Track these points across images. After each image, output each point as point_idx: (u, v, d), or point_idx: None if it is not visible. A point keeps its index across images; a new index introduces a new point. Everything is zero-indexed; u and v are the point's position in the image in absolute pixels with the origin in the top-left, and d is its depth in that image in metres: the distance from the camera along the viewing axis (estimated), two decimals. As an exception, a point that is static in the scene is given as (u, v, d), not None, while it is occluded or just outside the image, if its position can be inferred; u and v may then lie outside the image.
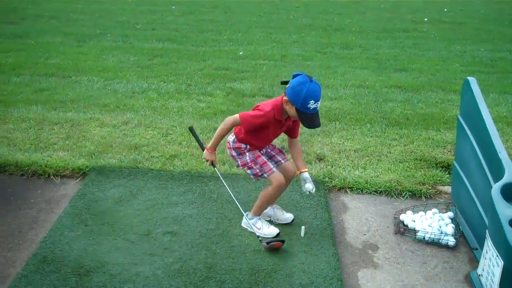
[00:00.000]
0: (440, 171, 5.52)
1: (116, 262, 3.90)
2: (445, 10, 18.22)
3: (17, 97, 7.57)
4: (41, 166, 5.29)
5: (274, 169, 4.17)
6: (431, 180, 5.32)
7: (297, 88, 3.78)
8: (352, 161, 5.69)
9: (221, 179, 4.48)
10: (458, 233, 4.36)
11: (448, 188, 5.20)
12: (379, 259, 4.10)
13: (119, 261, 3.92)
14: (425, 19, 16.23)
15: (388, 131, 6.59)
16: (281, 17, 15.84)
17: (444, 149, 6.08)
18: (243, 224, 4.41)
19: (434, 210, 4.68)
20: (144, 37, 12.36)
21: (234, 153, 4.23)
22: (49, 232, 4.26)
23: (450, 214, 4.62)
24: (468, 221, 4.51)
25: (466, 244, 4.33)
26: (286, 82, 3.96)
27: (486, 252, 3.64)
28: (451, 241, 4.27)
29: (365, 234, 4.44)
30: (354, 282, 3.83)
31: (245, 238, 4.26)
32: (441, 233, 4.33)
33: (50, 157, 5.52)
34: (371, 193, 5.10)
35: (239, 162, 4.23)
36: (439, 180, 5.35)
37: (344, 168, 5.49)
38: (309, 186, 4.16)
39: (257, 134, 4.09)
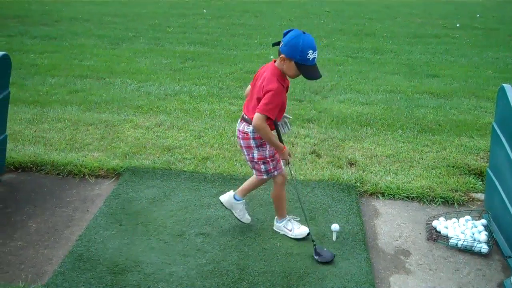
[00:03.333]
0: (473, 178, 5.48)
1: (150, 262, 3.96)
2: (478, 16, 18.01)
3: (52, 98, 7.73)
4: (76, 166, 5.40)
5: (283, 166, 4.22)
6: (464, 187, 5.28)
7: (293, 41, 3.69)
8: (384, 166, 5.68)
9: (294, 179, 4.46)
10: (491, 241, 4.33)
11: (481, 195, 5.16)
12: (411, 265, 4.09)
13: (153, 260, 3.98)
14: (457, 25, 16.07)
15: (420, 137, 6.56)
16: (312, 22, 15.83)
17: (477, 156, 6.02)
18: (274, 228, 4.45)
19: (467, 217, 4.65)
20: (176, 40, 12.48)
21: (252, 144, 4.04)
22: (84, 230, 4.35)
23: (483, 221, 4.59)
24: (501, 229, 4.46)
25: (500, 252, 4.29)
26: (278, 43, 3.84)
27: (521, 261, 3.62)
28: (484, 248, 4.24)
29: (397, 240, 4.43)
30: (386, 288, 3.83)
31: (277, 240, 4.29)
32: (474, 240, 4.31)
33: (85, 157, 5.62)
34: (403, 199, 5.09)
35: (255, 154, 4.07)
36: (472, 187, 5.31)
37: (375, 174, 5.49)
38: None
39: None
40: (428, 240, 4.44)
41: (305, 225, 4.35)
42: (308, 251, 4.14)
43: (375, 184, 5.23)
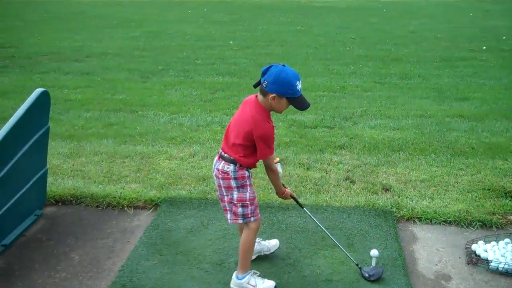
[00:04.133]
0: (510, 200, 5.45)
1: (192, 291, 4.02)
2: (504, 38, 17.91)
3: (88, 132, 7.90)
4: (115, 197, 5.52)
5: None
6: (501, 210, 5.25)
7: (280, 78, 3.55)
8: (419, 191, 5.68)
9: (309, 214, 4.40)
10: (533, 264, 4.30)
11: (519, 218, 5.13)
12: (452, 290, 4.08)
13: (194, 289, 4.04)
14: (484, 48, 16.01)
15: (453, 161, 6.54)
16: (337, 49, 15.91)
17: (512, 178, 6.00)
18: (232, 285, 4.05)
19: (507, 240, 4.62)
20: (204, 71, 12.65)
21: (233, 184, 3.84)
22: (126, 261, 4.44)
23: (523, 244, 4.56)
24: (542, 252, 4.43)
25: (542, 275, 4.25)
26: (259, 83, 3.68)
27: None
28: (526, 271, 4.21)
29: (436, 265, 4.42)
30: (429, 313, 3.82)
31: (316, 268, 4.32)
32: (515, 263, 4.28)
33: (123, 189, 5.74)
34: (440, 223, 5.08)
35: (234, 196, 3.86)
36: (509, 209, 5.28)
37: (411, 198, 5.49)
38: None
39: None
40: (468, 264, 4.42)
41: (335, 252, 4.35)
42: (348, 277, 4.16)
43: (412, 209, 5.23)
